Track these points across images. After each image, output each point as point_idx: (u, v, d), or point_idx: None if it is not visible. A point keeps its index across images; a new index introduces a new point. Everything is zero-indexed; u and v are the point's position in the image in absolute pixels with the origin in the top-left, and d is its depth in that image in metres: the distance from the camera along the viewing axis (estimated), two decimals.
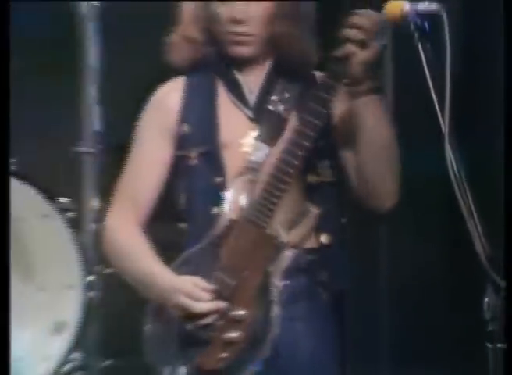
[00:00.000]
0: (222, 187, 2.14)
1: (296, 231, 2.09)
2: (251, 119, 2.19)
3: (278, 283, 2.14)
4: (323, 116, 1.99)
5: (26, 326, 2.94)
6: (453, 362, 3.27)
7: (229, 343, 2.09)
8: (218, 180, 2.11)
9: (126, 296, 2.68)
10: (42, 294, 2.93)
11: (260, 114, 2.23)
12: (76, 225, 2.96)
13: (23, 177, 2.91)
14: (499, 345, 1.74)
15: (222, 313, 2.10)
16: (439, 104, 1.82)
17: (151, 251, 2.14)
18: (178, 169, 2.16)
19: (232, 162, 2.13)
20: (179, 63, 2.21)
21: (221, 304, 2.07)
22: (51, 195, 2.91)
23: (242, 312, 2.11)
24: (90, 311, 2.92)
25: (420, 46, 1.85)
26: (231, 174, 2.15)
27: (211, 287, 2.07)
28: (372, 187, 2.14)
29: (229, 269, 2.15)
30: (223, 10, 2.14)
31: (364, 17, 2.05)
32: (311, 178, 2.14)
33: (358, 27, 2.03)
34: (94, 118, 3.08)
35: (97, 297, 2.95)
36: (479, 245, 1.77)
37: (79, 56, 3.12)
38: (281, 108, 2.19)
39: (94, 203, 3.07)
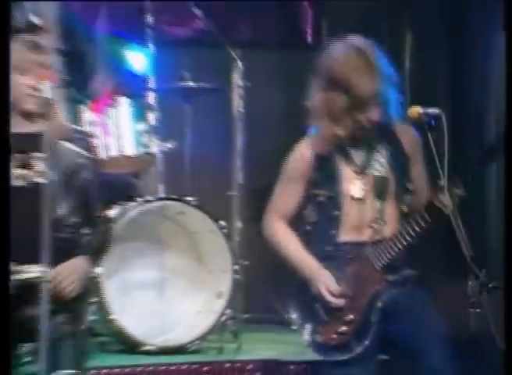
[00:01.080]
0: (338, 218, 2.37)
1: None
2: (358, 174, 2.40)
3: (379, 305, 2.33)
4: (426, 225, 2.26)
5: (201, 293, 3.36)
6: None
7: (339, 333, 2.34)
8: (336, 212, 2.37)
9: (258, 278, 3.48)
10: (210, 275, 3.35)
11: (365, 173, 2.40)
12: (228, 237, 3.30)
13: (199, 208, 3.27)
14: (477, 310, 2.31)
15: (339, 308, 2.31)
16: (440, 168, 2.27)
17: (299, 243, 2.42)
18: (310, 200, 2.42)
19: (346, 202, 2.36)
20: (322, 152, 2.40)
21: (341, 302, 2.31)
22: (215, 218, 3.27)
23: (351, 317, 2.34)
24: (235, 286, 3.31)
25: (429, 134, 2.26)
26: (345, 210, 2.36)
27: (339, 287, 2.31)
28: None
29: (348, 284, 2.35)
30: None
31: None
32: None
33: None
34: (238, 175, 3.47)
35: (240, 277, 3.35)
36: (465, 250, 2.26)
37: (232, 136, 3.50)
38: (383, 171, 2.39)
39: (238, 225, 3.47)
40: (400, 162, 2.41)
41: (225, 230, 3.27)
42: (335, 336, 2.32)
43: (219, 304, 3.26)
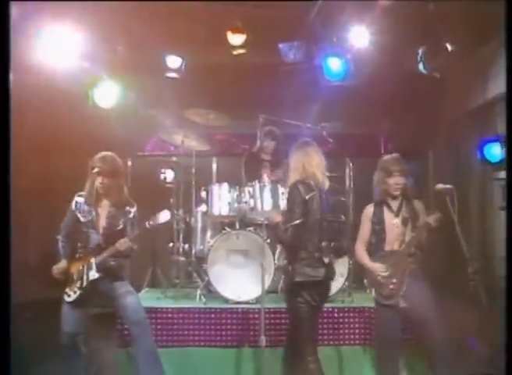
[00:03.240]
0: (384, 237, 3.20)
1: None
2: (396, 216, 3.27)
3: (408, 279, 3.13)
4: None
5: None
6: (452, 294, 3.77)
7: (389, 291, 3.15)
8: (383, 235, 3.25)
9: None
10: (341, 260, 4.33)
11: (400, 216, 3.22)
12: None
13: None
14: (472, 282, 2.80)
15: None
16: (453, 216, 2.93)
17: (367, 255, 3.30)
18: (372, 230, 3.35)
19: (389, 230, 3.25)
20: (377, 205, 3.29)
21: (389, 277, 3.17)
22: None
23: (394, 281, 3.18)
24: (349, 271, 4.37)
25: (448, 200, 2.84)
26: (388, 238, 3.19)
27: (386, 271, 3.18)
28: None
29: (391, 269, 3.13)
30: None
31: None
32: None
33: None
34: (349, 212, 4.52)
35: (350, 262, 4.36)
36: (466, 252, 2.87)
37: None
38: (407, 216, 3.27)
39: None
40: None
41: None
42: (388, 292, 3.22)
43: (341, 280, 4.37)
